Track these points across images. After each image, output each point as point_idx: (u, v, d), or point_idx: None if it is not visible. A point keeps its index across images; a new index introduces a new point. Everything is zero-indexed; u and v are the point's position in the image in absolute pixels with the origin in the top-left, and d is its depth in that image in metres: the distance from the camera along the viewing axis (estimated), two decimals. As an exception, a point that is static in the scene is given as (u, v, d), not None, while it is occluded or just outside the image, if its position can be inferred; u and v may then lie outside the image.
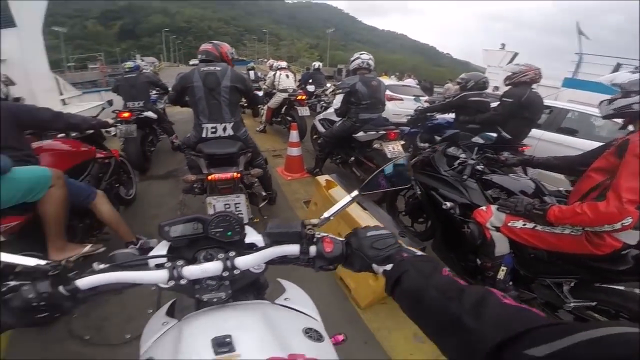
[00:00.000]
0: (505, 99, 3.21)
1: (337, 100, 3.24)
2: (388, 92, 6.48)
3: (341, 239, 0.65)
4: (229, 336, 0.50)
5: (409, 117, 4.57)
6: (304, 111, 5.23)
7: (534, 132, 3.54)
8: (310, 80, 7.75)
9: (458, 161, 2.10)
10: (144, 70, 4.77)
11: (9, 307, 0.53)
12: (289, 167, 3.97)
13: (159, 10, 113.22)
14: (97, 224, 2.16)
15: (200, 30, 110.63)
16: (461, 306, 0.42)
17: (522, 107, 3.13)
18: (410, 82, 10.55)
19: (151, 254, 0.64)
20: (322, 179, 2.65)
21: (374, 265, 0.58)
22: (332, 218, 0.69)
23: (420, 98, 6.72)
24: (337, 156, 3.77)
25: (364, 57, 3.34)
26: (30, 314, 0.55)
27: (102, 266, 0.60)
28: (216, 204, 2.11)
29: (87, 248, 1.88)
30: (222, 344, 0.48)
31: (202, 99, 2.31)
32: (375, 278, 1.76)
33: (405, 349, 1.69)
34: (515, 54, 12.65)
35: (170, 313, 0.73)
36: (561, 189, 2.00)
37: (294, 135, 3.94)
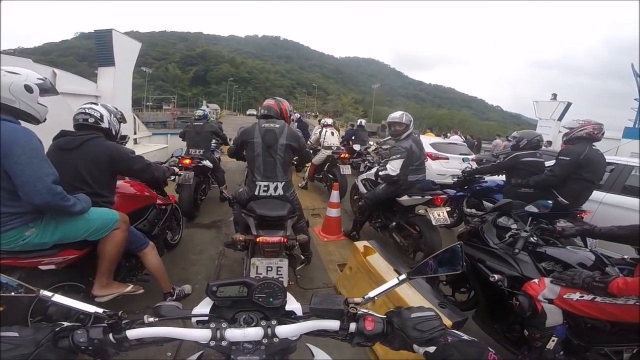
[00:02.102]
0: (561, 158, 2.98)
1: (393, 166, 3.16)
2: (434, 151, 6.48)
3: (382, 316, 0.65)
4: None
5: (455, 179, 4.38)
6: (346, 169, 5.32)
7: (595, 194, 3.18)
8: (354, 137, 8.02)
9: (509, 233, 2.01)
10: (210, 120, 5.28)
11: (56, 346, 0.57)
12: (327, 228, 3.93)
13: (227, 59, 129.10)
14: (140, 266, 2.25)
15: (260, 82, 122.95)
16: None
17: (580, 166, 2.89)
18: (456, 139, 10.33)
19: (195, 310, 0.68)
20: (361, 244, 2.60)
21: (415, 346, 0.58)
22: (376, 299, 0.69)
23: (468, 157, 6.57)
24: (376, 220, 3.68)
25: (392, 115, 3.37)
26: (73, 356, 0.59)
27: (151, 319, 0.63)
28: (259, 265, 2.11)
29: (128, 289, 1.98)
30: None
31: (260, 156, 2.33)
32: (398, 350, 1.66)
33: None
34: (569, 104, 11.92)
35: None
36: (626, 256, 1.82)
37: (334, 195, 3.95)
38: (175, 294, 2.31)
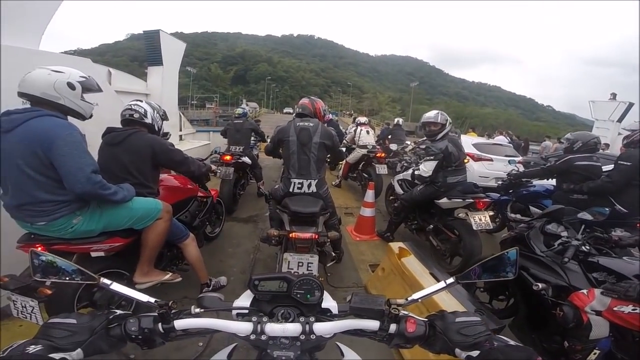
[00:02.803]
0: (621, 163, 2.73)
1: (425, 167, 3.08)
2: (476, 152, 6.21)
3: (424, 319, 0.64)
4: None
5: (500, 182, 4.13)
6: (381, 169, 5.23)
7: None
8: (390, 137, 7.82)
9: (559, 241, 1.90)
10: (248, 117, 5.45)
11: (108, 334, 0.59)
12: (360, 227, 3.90)
13: (265, 59, 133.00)
14: (181, 256, 2.37)
15: (296, 80, 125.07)
16: None
17: None
18: (501, 139, 9.68)
19: (236, 303, 0.69)
20: (396, 246, 2.55)
21: (457, 350, 0.57)
22: (420, 301, 0.68)
23: (515, 159, 6.14)
24: (412, 222, 3.58)
25: (426, 115, 3.23)
26: (122, 344, 0.60)
27: (197, 310, 0.66)
28: (291, 260, 2.16)
29: (167, 277, 2.08)
30: None
31: (295, 154, 2.39)
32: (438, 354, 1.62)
33: None
34: (630, 105, 10.55)
35: (230, 357, 0.75)
36: None
37: (369, 194, 3.90)
38: (212, 285, 2.41)
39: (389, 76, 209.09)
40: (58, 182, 1.51)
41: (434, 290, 0.70)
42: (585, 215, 2.13)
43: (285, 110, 60.02)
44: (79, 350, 0.55)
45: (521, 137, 14.42)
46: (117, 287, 0.67)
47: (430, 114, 3.19)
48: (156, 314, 0.62)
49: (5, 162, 1.47)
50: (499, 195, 3.97)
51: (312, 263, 2.17)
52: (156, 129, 2.23)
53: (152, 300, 0.65)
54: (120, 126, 2.13)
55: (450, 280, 0.70)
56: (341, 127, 8.56)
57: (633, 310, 1.38)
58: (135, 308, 1.83)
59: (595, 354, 1.49)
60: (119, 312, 0.64)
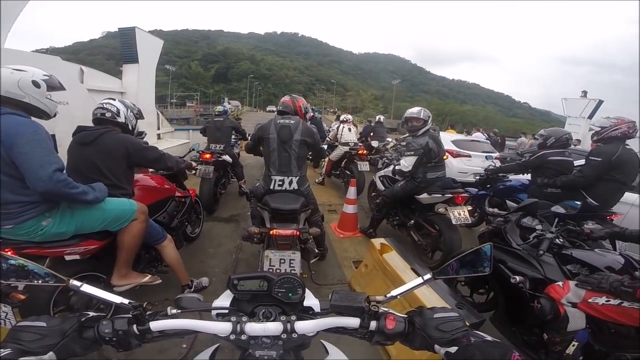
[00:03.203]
0: (592, 158, 2.84)
1: (406, 162, 3.15)
2: (455, 148, 6.36)
3: (404, 315, 0.65)
4: None
5: (478, 177, 4.24)
6: (363, 166, 5.28)
7: (627, 196, 3.05)
8: (372, 134, 7.90)
9: (534, 234, 1.95)
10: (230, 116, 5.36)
11: (81, 336, 0.58)
12: (343, 224, 3.91)
13: (247, 56, 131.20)
14: (160, 258, 2.31)
15: (279, 78, 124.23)
16: None
17: (612, 167, 2.74)
18: (479, 136, 9.98)
19: (215, 303, 0.69)
20: (377, 242, 2.57)
21: (436, 346, 0.58)
22: (399, 297, 0.69)
23: (492, 155, 6.33)
24: (394, 217, 3.61)
25: (410, 110, 3.28)
26: (96, 347, 0.59)
27: (174, 311, 0.64)
28: (272, 257, 2.15)
29: (146, 279, 2.03)
30: None
31: (275, 151, 2.39)
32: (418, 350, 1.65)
33: None
34: (600, 102, 11.24)
35: (212, 357, 0.74)
36: None
37: (351, 191, 3.91)
38: (193, 286, 2.36)
39: (372, 74, 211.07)
40: (23, 182, 1.46)
41: (412, 287, 0.71)
42: (558, 209, 2.17)
43: (268, 109, 59.58)
44: (50, 353, 0.53)
45: (498, 133, 14.90)
46: (87, 288, 0.65)
47: (414, 110, 3.24)
48: (130, 316, 0.60)
49: None
50: (477, 190, 4.09)
51: (294, 260, 2.17)
52: (130, 128, 2.15)
53: (126, 301, 0.64)
54: (92, 125, 2.05)
55: (428, 276, 0.71)
56: (325, 125, 8.56)
57: (607, 301, 1.41)
58: (114, 311, 1.77)
59: (574, 345, 1.51)
60: (91, 314, 0.62)
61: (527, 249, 1.91)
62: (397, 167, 3.34)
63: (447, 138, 6.60)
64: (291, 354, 0.66)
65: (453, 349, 0.55)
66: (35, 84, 1.56)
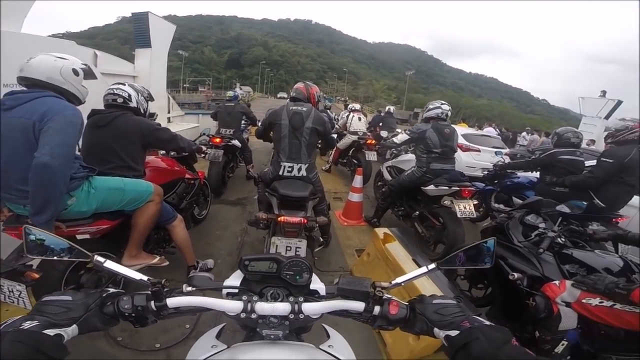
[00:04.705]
0: (604, 160, 2.78)
1: (398, 138, 3.33)
2: (465, 142, 6.28)
3: (406, 303, 0.67)
4: None
5: (485, 172, 4.22)
6: (371, 156, 5.25)
7: (636, 199, 2.98)
8: (381, 124, 7.82)
9: (536, 232, 1.94)
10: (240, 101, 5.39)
11: (101, 311, 0.60)
12: (348, 212, 3.93)
13: (260, 43, 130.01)
14: (168, 238, 2.36)
15: (291, 65, 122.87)
16: None
17: (623, 169, 2.69)
18: (490, 131, 9.78)
19: (226, 282, 0.71)
20: (381, 231, 2.58)
21: (436, 330, 0.60)
22: (403, 284, 0.71)
23: (501, 150, 6.23)
24: (399, 208, 3.62)
25: (445, 107, 3.26)
26: (114, 322, 0.62)
27: (189, 289, 0.67)
28: (279, 244, 2.16)
29: (155, 260, 2.06)
30: None
31: (286, 137, 2.37)
32: (416, 338, 1.72)
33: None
34: (619, 103, 10.83)
35: (218, 337, 0.76)
36: None
37: (357, 180, 3.92)
38: (199, 267, 2.39)
39: (386, 64, 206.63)
40: None
41: (416, 275, 0.72)
42: (563, 208, 2.16)
43: (279, 95, 59.29)
44: (74, 326, 0.55)
45: (509, 129, 14.56)
46: (110, 264, 0.67)
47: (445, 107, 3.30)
48: (149, 292, 0.62)
49: (4, 138, 1.45)
50: (484, 185, 4.05)
51: (300, 247, 2.17)
52: (142, 111, 2.20)
53: (145, 278, 0.66)
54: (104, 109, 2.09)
55: (432, 265, 0.72)
56: (334, 114, 8.51)
57: (600, 303, 1.41)
58: (124, 289, 1.83)
59: (563, 344, 1.51)
60: (112, 290, 0.65)
61: (528, 247, 1.90)
62: (393, 139, 3.53)
63: (458, 132, 6.50)
64: (294, 335, 0.68)
65: (453, 333, 0.56)
66: (75, 72, 1.65)
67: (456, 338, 0.55)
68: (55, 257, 0.66)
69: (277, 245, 2.16)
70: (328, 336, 0.78)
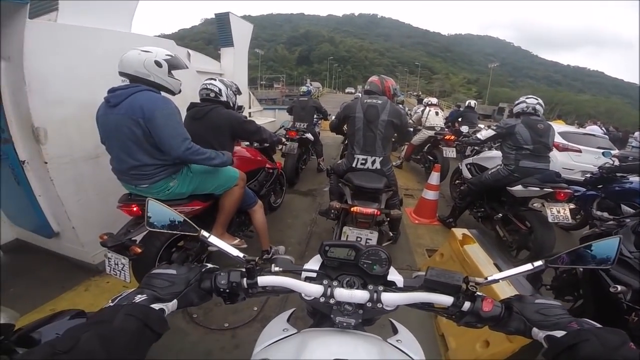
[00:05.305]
0: None
1: (482, 133, 3.11)
2: (562, 141, 5.55)
3: (499, 301, 0.64)
4: None
5: (588, 175, 3.63)
6: (449, 152, 4.92)
7: None
8: (460, 119, 7.23)
9: None
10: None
11: (199, 286, 0.62)
12: (420, 210, 3.77)
13: (327, 39, 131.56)
14: (248, 222, 2.54)
15: (358, 60, 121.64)
16: None
17: None
18: (594, 129, 8.26)
19: (306, 266, 0.72)
20: (459, 232, 2.41)
21: (534, 330, 0.56)
22: (500, 281, 0.68)
23: (610, 152, 5.25)
24: (479, 209, 3.34)
25: (530, 101, 2.92)
26: (208, 297, 0.64)
27: (276, 269, 0.69)
28: (350, 234, 2.18)
29: (236, 241, 2.25)
30: None
31: (360, 130, 2.37)
32: (485, 345, 1.60)
33: None
34: None
35: (288, 320, 0.78)
36: None
37: (434, 177, 3.72)
38: (272, 252, 2.53)
39: (464, 57, 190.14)
40: (157, 148, 1.67)
41: (519, 272, 0.67)
42: None
43: (347, 90, 59.36)
44: (174, 301, 0.57)
45: (620, 128, 12.02)
46: (213, 239, 0.69)
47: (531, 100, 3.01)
48: (243, 269, 0.64)
49: (115, 132, 1.63)
50: (584, 189, 3.50)
51: (370, 239, 2.16)
52: (231, 104, 2.42)
53: (241, 255, 0.68)
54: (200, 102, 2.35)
55: (539, 263, 0.66)
56: (407, 109, 8.17)
57: None
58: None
59: None
60: (209, 265, 0.67)
61: (639, 258, 1.64)
62: (477, 135, 3.32)
63: (555, 129, 5.68)
64: (361, 327, 0.67)
65: (559, 333, 0.52)
66: (157, 64, 1.68)
67: (562, 339, 0.50)
68: (169, 230, 0.71)
69: (347, 235, 2.18)
70: (394, 331, 0.76)
